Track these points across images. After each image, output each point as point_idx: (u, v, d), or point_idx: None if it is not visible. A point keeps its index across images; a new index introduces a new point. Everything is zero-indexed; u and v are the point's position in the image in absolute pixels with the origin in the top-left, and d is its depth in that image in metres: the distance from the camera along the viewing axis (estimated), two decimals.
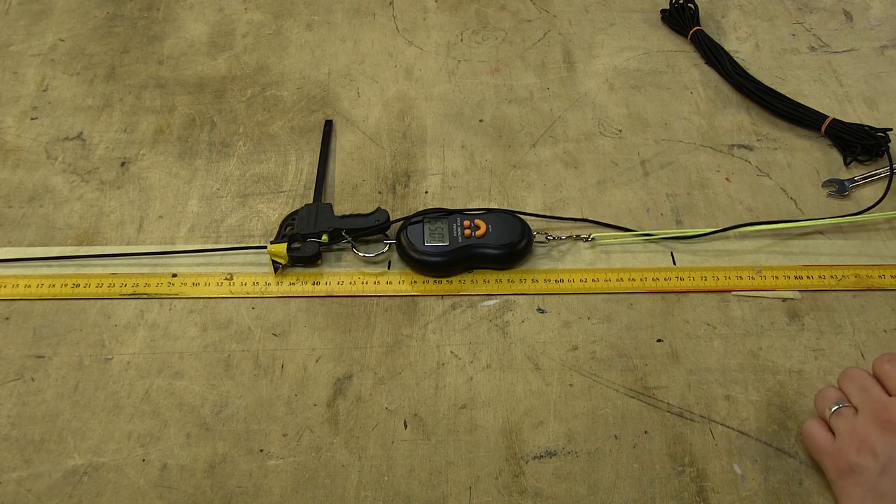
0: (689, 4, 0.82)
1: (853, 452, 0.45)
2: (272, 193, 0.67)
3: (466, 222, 0.61)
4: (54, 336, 0.58)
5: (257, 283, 0.61)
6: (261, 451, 0.52)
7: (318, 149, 0.71)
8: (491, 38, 0.82)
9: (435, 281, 0.61)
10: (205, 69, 0.79)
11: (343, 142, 0.72)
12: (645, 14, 0.85)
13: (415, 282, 0.61)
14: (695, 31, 0.80)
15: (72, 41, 0.82)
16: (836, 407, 0.48)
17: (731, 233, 0.63)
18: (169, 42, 0.82)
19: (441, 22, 0.84)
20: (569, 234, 0.63)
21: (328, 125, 0.72)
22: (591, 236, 0.63)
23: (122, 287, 0.60)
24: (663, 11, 0.84)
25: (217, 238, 0.64)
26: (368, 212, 0.63)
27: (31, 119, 0.74)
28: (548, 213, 0.65)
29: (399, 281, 0.61)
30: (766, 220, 0.64)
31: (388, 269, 0.62)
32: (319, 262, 0.62)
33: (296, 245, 0.61)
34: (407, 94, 0.76)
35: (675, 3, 0.83)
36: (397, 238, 0.62)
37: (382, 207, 0.63)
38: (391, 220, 0.62)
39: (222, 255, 0.63)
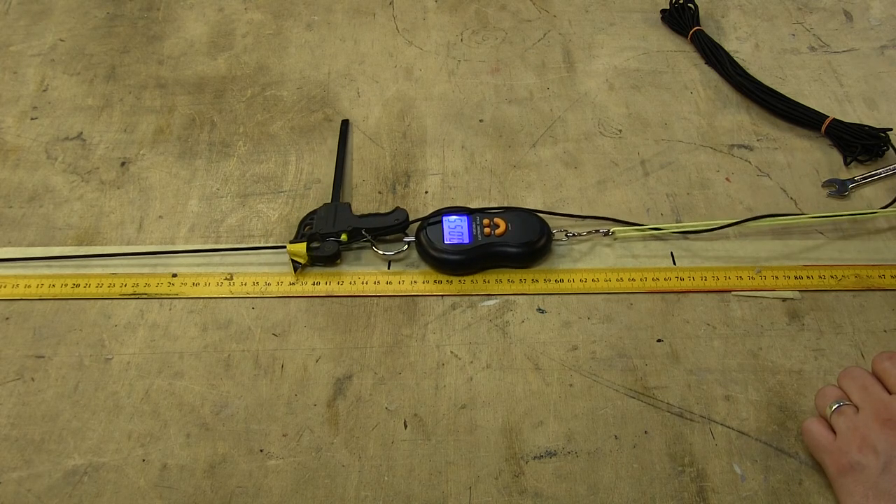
0: (689, 4, 0.82)
1: (854, 450, 0.45)
2: (272, 193, 0.67)
3: (486, 220, 0.61)
4: (54, 336, 0.58)
5: (257, 283, 0.61)
6: (261, 451, 0.52)
7: (318, 149, 0.71)
8: (491, 38, 0.82)
9: (435, 281, 0.60)
10: (205, 69, 0.79)
11: None
12: (645, 14, 0.85)
13: (415, 282, 0.60)
14: (695, 31, 0.80)
15: (72, 41, 0.82)
16: (837, 405, 0.48)
17: (731, 233, 0.64)
18: (169, 42, 0.82)
19: (441, 22, 0.84)
20: (589, 230, 0.63)
21: (344, 124, 0.72)
22: (612, 231, 0.63)
23: (122, 287, 0.60)
24: (663, 11, 0.84)
25: (217, 238, 0.64)
26: (386, 211, 0.63)
27: (31, 119, 0.74)
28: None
29: (399, 281, 0.61)
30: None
31: (388, 268, 0.62)
32: (339, 261, 0.62)
33: (315, 244, 0.61)
34: (407, 94, 0.76)
35: (675, 3, 0.83)
36: (417, 237, 0.61)
37: (401, 207, 0.63)
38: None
39: (222, 255, 0.63)
